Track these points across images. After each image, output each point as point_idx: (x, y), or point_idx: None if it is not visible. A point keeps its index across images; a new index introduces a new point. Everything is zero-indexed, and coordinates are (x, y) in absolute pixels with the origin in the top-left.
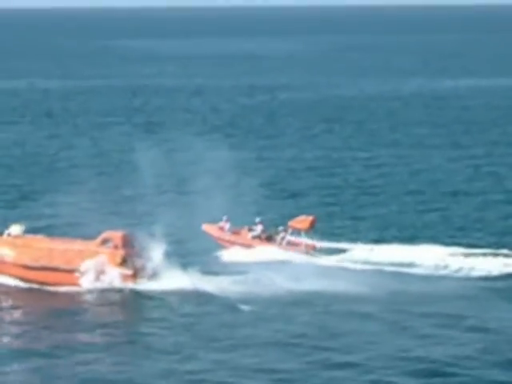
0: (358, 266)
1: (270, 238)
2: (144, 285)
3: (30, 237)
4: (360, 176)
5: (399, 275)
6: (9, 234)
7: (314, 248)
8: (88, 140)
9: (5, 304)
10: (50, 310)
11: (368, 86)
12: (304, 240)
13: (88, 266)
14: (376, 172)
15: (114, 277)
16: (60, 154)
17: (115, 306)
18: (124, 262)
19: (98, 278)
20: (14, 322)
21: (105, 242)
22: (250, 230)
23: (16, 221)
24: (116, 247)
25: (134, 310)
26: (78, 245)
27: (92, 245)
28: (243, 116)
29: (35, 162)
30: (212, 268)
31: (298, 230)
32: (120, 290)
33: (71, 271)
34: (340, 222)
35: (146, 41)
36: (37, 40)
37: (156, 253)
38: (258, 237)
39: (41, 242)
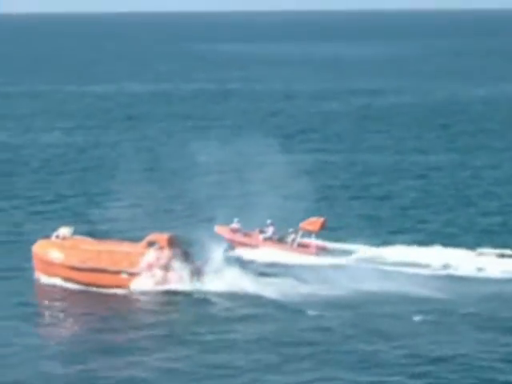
0: (388, 268)
1: (281, 240)
2: (191, 285)
3: (78, 239)
4: (455, 180)
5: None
6: (57, 236)
7: (324, 249)
8: (171, 142)
9: (53, 305)
10: (98, 311)
11: (460, 89)
12: (314, 242)
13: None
14: (469, 175)
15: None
16: (141, 157)
17: (161, 307)
18: (169, 265)
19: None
20: (62, 323)
21: (151, 244)
22: (262, 231)
23: (82, 222)
24: (162, 249)
25: (179, 312)
26: (124, 247)
27: (138, 247)
28: (329, 121)
29: (114, 163)
30: (263, 270)
31: (309, 231)
32: (166, 292)
33: (118, 273)
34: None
35: (233, 45)
36: (127, 44)
37: (216, 254)
38: (270, 238)
39: (88, 243)
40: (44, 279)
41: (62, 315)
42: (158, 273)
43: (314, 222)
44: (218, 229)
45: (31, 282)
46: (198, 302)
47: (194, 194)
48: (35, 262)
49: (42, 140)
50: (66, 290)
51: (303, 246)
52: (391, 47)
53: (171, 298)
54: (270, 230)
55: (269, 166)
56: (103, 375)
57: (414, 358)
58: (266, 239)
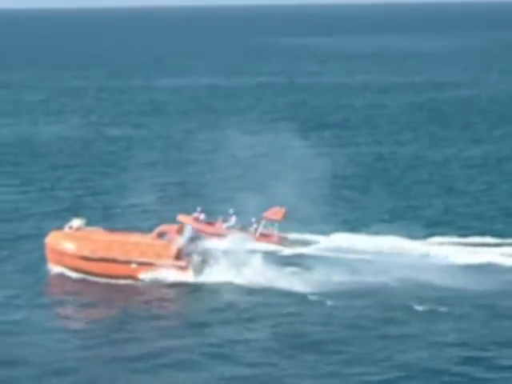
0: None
1: (243, 229)
2: (200, 277)
3: (90, 229)
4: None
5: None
6: (70, 227)
7: (285, 239)
8: (237, 136)
9: (65, 295)
10: (108, 300)
11: None
12: (275, 231)
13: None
14: None
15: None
16: (205, 149)
17: (170, 298)
18: (179, 255)
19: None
20: (73, 312)
21: (161, 235)
22: (225, 221)
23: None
24: (172, 239)
25: (188, 303)
26: (135, 237)
27: (148, 238)
28: (405, 113)
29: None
30: (275, 260)
31: (272, 221)
32: (175, 283)
33: (128, 263)
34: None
35: (308, 38)
36: (202, 38)
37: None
38: (232, 228)
39: (100, 234)
40: (56, 269)
41: (73, 305)
42: (165, 263)
43: (277, 212)
44: (181, 218)
45: (44, 272)
46: (208, 292)
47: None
48: (48, 253)
49: (108, 133)
50: (77, 280)
51: (265, 236)
52: (472, 39)
53: (181, 288)
54: (232, 220)
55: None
56: (114, 364)
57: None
58: (228, 228)
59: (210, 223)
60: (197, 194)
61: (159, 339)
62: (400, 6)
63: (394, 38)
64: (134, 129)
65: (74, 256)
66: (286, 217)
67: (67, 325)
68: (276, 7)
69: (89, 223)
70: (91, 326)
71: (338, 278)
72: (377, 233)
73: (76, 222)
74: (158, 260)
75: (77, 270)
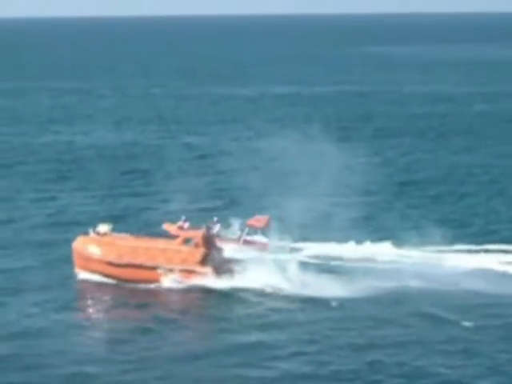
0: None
1: (227, 236)
2: (224, 282)
3: (116, 235)
4: None
5: None
6: (97, 233)
7: (267, 246)
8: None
9: (91, 299)
10: (134, 305)
11: None
12: (259, 238)
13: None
14: None
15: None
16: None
17: (195, 303)
18: (204, 261)
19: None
20: (99, 316)
21: (186, 240)
22: (208, 228)
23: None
24: (197, 246)
25: (213, 307)
26: (161, 243)
27: (174, 243)
28: (477, 123)
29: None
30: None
31: (255, 228)
32: (200, 288)
33: (154, 268)
34: None
35: (384, 47)
36: (287, 46)
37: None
38: (216, 235)
39: (126, 240)
40: (83, 274)
41: (99, 309)
42: (191, 269)
43: (260, 220)
44: (166, 226)
45: (71, 277)
46: (231, 297)
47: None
48: (75, 258)
49: (184, 140)
50: (103, 284)
51: (248, 243)
52: None
53: (206, 293)
54: (216, 228)
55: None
56: (138, 366)
57: None
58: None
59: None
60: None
61: (184, 343)
62: (471, 16)
63: (468, 46)
64: (208, 137)
65: (100, 261)
66: (269, 224)
67: (92, 328)
68: (359, 16)
69: (134, 229)
70: (116, 329)
71: (372, 284)
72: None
73: (103, 228)
74: (184, 265)
75: (103, 274)
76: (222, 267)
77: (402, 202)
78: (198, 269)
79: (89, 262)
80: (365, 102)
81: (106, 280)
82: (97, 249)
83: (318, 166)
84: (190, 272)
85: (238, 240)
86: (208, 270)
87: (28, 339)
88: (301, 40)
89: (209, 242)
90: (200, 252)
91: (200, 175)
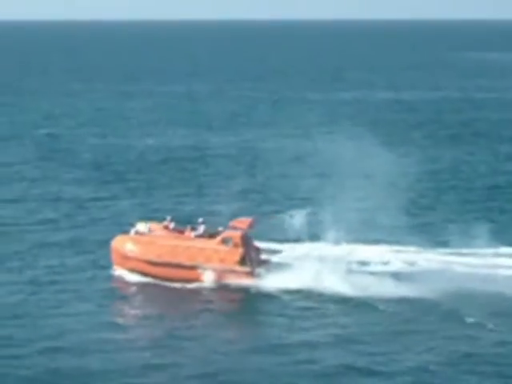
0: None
1: (211, 237)
2: (262, 282)
3: (155, 234)
4: None
5: None
6: (136, 232)
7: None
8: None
9: (130, 298)
10: (172, 304)
11: None
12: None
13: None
14: None
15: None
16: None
17: (233, 302)
18: (243, 261)
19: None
20: (137, 315)
21: (225, 240)
22: (193, 229)
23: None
24: (236, 246)
25: (250, 307)
26: (199, 242)
27: (213, 243)
28: None
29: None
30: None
31: (238, 229)
32: (238, 287)
33: (193, 267)
34: None
35: (482, 53)
36: (382, 52)
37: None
38: (201, 236)
39: (165, 239)
40: (122, 272)
41: (137, 307)
42: (230, 268)
43: (243, 221)
44: (152, 226)
45: (110, 275)
46: (268, 297)
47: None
48: (114, 257)
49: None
50: (142, 283)
51: None
52: None
53: (245, 293)
54: (201, 228)
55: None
56: (174, 367)
57: None
58: (197, 236)
59: (179, 231)
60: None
61: (222, 344)
62: None
63: None
64: (307, 141)
65: (139, 260)
66: (253, 226)
67: (131, 326)
68: (459, 22)
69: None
70: (155, 328)
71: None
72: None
73: (141, 226)
74: (223, 265)
75: (141, 273)
76: (260, 267)
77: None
78: (237, 268)
79: (128, 261)
80: (468, 108)
81: (144, 278)
82: (136, 247)
83: (400, 172)
84: (229, 271)
85: None
86: (247, 269)
87: (66, 337)
88: (394, 44)
89: (247, 242)
90: (239, 252)
91: (300, 177)
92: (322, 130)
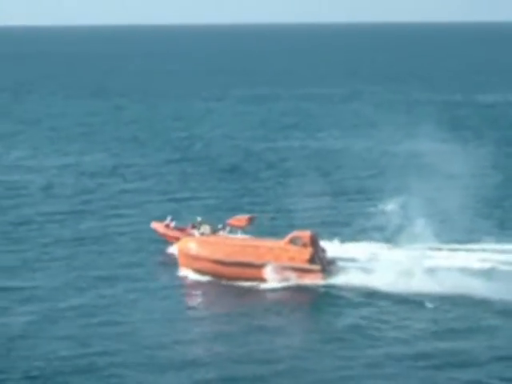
0: None
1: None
2: (331, 282)
3: (220, 235)
4: None
5: None
6: (202, 233)
7: None
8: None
9: (198, 298)
10: (242, 303)
11: None
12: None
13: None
14: None
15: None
16: None
17: (304, 302)
18: (313, 260)
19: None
20: (206, 315)
21: (293, 240)
22: (194, 227)
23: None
24: (305, 245)
25: (322, 307)
26: (268, 242)
27: (281, 242)
28: None
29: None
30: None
31: (236, 227)
32: (308, 287)
33: (262, 267)
34: None
35: None
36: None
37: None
38: (202, 234)
39: (231, 239)
40: (188, 273)
41: (207, 308)
42: (299, 267)
43: (241, 219)
44: (154, 224)
45: (177, 276)
46: (336, 296)
47: None
48: (180, 258)
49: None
50: (209, 282)
51: None
52: None
53: (310, 292)
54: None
55: None
56: (240, 367)
57: None
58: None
59: (180, 229)
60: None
61: (295, 340)
62: None
63: None
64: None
65: (207, 260)
66: (251, 223)
67: (199, 326)
68: None
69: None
70: (224, 327)
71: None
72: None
73: (205, 228)
74: (292, 264)
75: (209, 273)
76: (328, 267)
77: None
78: (308, 267)
79: (195, 261)
80: None
81: (211, 278)
82: (203, 248)
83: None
84: (299, 270)
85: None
86: (317, 268)
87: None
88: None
89: (315, 242)
90: (308, 251)
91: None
92: None
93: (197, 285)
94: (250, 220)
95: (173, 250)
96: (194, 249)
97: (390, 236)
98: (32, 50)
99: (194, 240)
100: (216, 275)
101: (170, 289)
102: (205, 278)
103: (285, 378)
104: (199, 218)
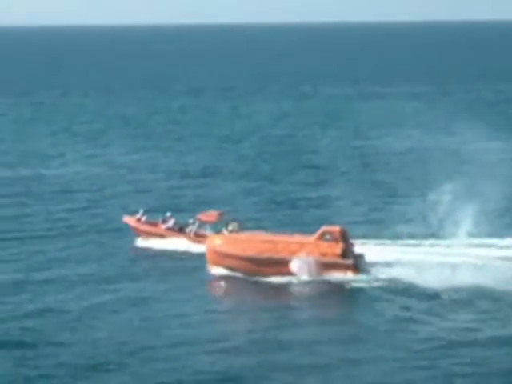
0: None
1: (181, 230)
2: (362, 277)
3: (249, 233)
4: None
5: None
6: (231, 231)
7: None
8: None
9: (229, 295)
10: (273, 299)
11: None
12: (209, 232)
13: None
14: None
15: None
16: None
17: (337, 297)
18: (344, 254)
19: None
20: (237, 312)
21: (324, 235)
22: (164, 221)
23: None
24: (336, 241)
25: (355, 302)
26: (298, 238)
27: (312, 238)
28: None
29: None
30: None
31: (205, 222)
32: (340, 282)
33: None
34: None
35: None
36: None
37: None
38: (171, 228)
39: (260, 236)
40: (218, 271)
41: (238, 305)
42: (330, 263)
43: (210, 214)
44: (126, 218)
45: (206, 274)
46: (367, 292)
47: None
48: (208, 255)
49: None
50: (239, 279)
51: (200, 236)
52: None
53: (342, 287)
54: (171, 221)
55: None
56: (270, 366)
57: None
58: (168, 229)
59: (152, 223)
60: None
61: (324, 341)
62: None
63: None
64: None
65: (238, 257)
66: (222, 219)
67: (229, 324)
68: None
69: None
70: (254, 322)
71: None
72: None
73: (233, 225)
74: (324, 259)
75: (240, 270)
76: (359, 263)
77: None
78: (340, 262)
79: (225, 259)
80: None
81: (240, 275)
82: (233, 245)
83: None
84: (331, 266)
85: (188, 233)
86: (348, 263)
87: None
88: None
89: (346, 236)
90: (340, 246)
91: None
92: None
93: (228, 281)
94: (220, 216)
95: (141, 243)
96: (223, 246)
97: (435, 230)
98: (128, 49)
99: (223, 238)
100: (247, 272)
101: (200, 286)
102: (235, 275)
103: (325, 369)
104: (169, 213)
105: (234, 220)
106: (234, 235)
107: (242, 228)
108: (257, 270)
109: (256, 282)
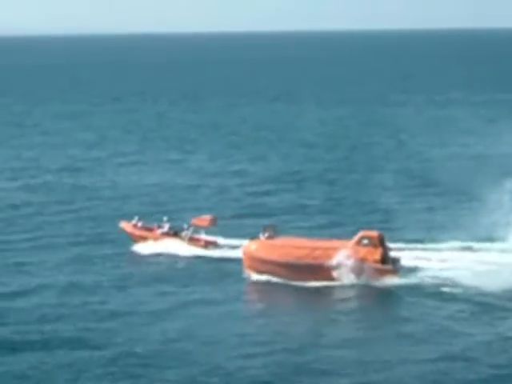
0: None
1: (176, 234)
2: (402, 281)
3: (284, 238)
4: None
5: None
6: (269, 237)
7: (214, 244)
8: None
9: (266, 301)
10: (312, 304)
11: None
12: (204, 237)
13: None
14: None
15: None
16: None
17: (376, 301)
18: (383, 259)
19: (356, 274)
20: (275, 317)
21: (362, 240)
22: (159, 227)
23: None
24: (374, 245)
25: (395, 306)
26: (337, 243)
27: (349, 244)
28: None
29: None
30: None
31: (199, 227)
32: (379, 287)
33: (334, 268)
34: None
35: None
36: None
37: None
38: (167, 233)
39: (298, 242)
40: (256, 276)
41: (274, 310)
42: (366, 268)
43: (204, 219)
44: (122, 224)
45: (243, 280)
46: (405, 296)
47: None
48: (246, 261)
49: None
50: (276, 285)
51: (194, 240)
52: None
53: (382, 291)
54: (166, 226)
55: None
56: (301, 370)
57: None
58: (163, 234)
59: (148, 229)
60: None
61: (364, 345)
62: None
63: None
64: None
65: (276, 263)
66: (214, 224)
67: (270, 328)
68: None
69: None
70: (297, 328)
71: None
72: None
73: (269, 231)
74: (364, 264)
75: (278, 275)
76: (397, 267)
77: None
78: (379, 267)
79: (261, 264)
80: None
81: (278, 280)
82: (271, 251)
83: None
84: (370, 271)
85: (183, 237)
86: (388, 268)
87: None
88: None
89: (384, 241)
90: (379, 251)
91: None
92: None
93: (262, 288)
94: (213, 221)
95: (137, 248)
96: (261, 252)
97: (483, 234)
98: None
99: (260, 243)
100: (286, 277)
101: (233, 293)
102: (274, 280)
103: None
104: (165, 218)
105: (272, 226)
106: (271, 241)
107: (278, 233)
108: (295, 275)
109: (293, 287)
